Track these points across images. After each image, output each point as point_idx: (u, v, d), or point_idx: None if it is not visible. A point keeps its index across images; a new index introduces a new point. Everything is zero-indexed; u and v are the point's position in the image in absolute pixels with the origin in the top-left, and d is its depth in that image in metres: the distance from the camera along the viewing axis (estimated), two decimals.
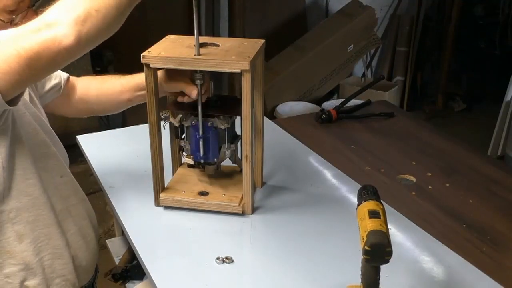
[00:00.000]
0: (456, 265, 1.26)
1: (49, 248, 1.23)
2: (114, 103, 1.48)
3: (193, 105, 1.38)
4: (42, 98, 1.36)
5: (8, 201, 1.14)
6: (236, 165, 1.52)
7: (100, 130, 1.98)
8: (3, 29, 1.07)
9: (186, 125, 1.41)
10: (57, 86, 1.41)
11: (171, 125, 1.44)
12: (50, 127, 1.31)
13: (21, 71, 0.94)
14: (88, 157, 1.70)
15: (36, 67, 0.94)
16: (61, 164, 1.30)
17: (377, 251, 0.93)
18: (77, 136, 1.82)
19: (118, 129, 2.04)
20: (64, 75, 1.44)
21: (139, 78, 1.42)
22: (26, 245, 1.18)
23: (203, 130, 1.38)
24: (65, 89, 1.45)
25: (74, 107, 1.49)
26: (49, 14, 0.94)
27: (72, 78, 1.48)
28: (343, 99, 2.36)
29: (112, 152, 1.76)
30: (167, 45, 1.36)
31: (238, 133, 1.41)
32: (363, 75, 4.45)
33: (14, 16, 1.08)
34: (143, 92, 1.41)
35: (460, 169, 1.77)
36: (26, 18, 1.10)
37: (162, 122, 1.39)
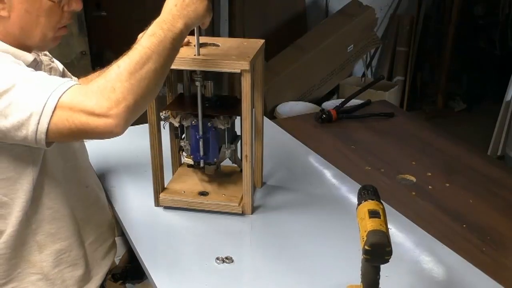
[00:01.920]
0: (456, 265, 1.26)
1: (70, 260, 1.24)
2: None
3: (193, 105, 1.38)
4: None
5: (32, 214, 1.16)
6: (236, 165, 1.52)
7: None
8: (52, 13, 1.09)
9: (186, 125, 1.41)
10: None
11: (171, 125, 1.44)
12: None
13: (67, 136, 1.01)
14: (88, 157, 1.70)
15: (80, 138, 1.15)
16: (87, 174, 1.31)
17: (377, 251, 0.93)
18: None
19: None
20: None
21: None
22: (46, 256, 1.20)
23: (203, 130, 1.38)
24: None
25: None
26: (101, 97, 0.96)
27: (80, 81, 1.45)
28: (343, 99, 2.36)
29: (112, 152, 1.76)
30: None
31: (238, 133, 1.41)
32: (363, 75, 4.45)
33: None
34: None
35: (460, 169, 1.77)
36: (70, 1, 1.12)
37: (162, 122, 1.39)
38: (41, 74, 1.04)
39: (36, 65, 1.13)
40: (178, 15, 1.07)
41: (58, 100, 0.96)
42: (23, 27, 1.08)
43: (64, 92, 0.97)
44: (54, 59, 1.28)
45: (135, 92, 0.98)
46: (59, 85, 0.98)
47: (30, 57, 1.10)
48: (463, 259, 1.27)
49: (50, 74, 1.20)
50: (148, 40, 1.03)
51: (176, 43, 1.07)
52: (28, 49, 1.12)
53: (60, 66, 1.31)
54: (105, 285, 1.42)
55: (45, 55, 1.25)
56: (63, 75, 1.32)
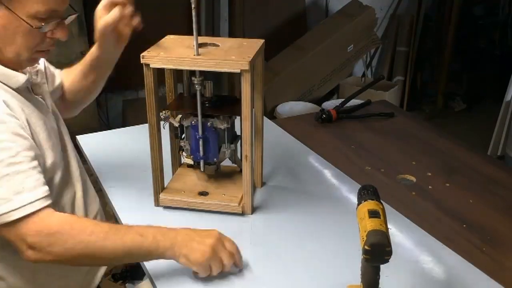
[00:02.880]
0: (456, 265, 1.26)
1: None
2: (87, 89, 1.43)
3: (193, 105, 1.38)
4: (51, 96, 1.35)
5: None
6: (236, 165, 1.52)
7: (100, 130, 1.98)
8: (30, 35, 1.06)
9: (185, 125, 1.41)
10: (59, 85, 1.40)
11: (171, 125, 1.44)
12: (64, 138, 1.30)
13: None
14: (88, 157, 1.70)
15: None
16: (76, 186, 1.30)
17: (377, 251, 0.93)
18: (77, 136, 1.82)
19: (118, 129, 2.04)
20: (60, 75, 1.42)
21: (88, 56, 1.36)
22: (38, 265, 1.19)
23: (203, 130, 1.38)
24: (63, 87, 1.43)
25: (67, 103, 1.46)
26: (43, 246, 1.02)
27: (64, 72, 1.45)
28: (343, 99, 2.36)
29: (112, 152, 1.76)
30: (166, 45, 1.36)
31: (238, 133, 1.41)
32: (363, 75, 4.45)
33: (43, 24, 1.06)
34: (99, 69, 1.37)
35: (460, 169, 1.77)
36: (56, 29, 1.09)
37: (162, 122, 1.39)
38: (15, 173, 1.02)
39: (27, 85, 1.11)
40: (177, 250, 1.12)
41: (13, 219, 1.00)
42: None
43: (23, 215, 1.01)
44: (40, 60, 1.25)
45: (65, 258, 1.05)
46: (25, 204, 1.01)
47: (22, 78, 1.08)
48: (463, 259, 1.27)
49: (37, 77, 1.19)
50: (129, 248, 1.09)
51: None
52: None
53: (42, 65, 1.30)
54: (100, 285, 1.42)
55: None
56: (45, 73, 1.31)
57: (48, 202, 1.04)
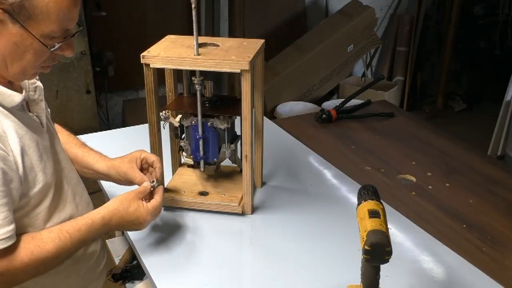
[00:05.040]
0: (456, 265, 1.26)
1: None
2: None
3: (193, 105, 1.38)
4: None
5: None
6: (236, 165, 1.52)
7: (100, 130, 1.98)
8: (40, 53, 1.05)
9: (186, 125, 1.41)
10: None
11: (171, 125, 1.44)
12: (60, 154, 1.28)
13: None
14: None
15: None
16: (72, 199, 1.27)
17: (377, 251, 0.93)
18: (77, 136, 1.82)
19: (118, 129, 2.04)
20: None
21: (97, 164, 1.43)
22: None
23: (203, 130, 1.38)
24: None
25: None
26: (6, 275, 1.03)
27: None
28: (343, 99, 2.37)
29: (112, 152, 1.76)
30: (167, 45, 1.36)
31: (238, 133, 1.41)
32: (363, 75, 4.45)
33: (56, 44, 1.04)
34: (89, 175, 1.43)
35: (460, 169, 1.77)
36: (64, 46, 1.08)
37: (162, 122, 1.39)
38: None
39: (22, 105, 1.09)
40: (114, 227, 1.22)
41: None
42: (5, 57, 1.02)
43: None
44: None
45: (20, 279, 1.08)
46: None
47: (18, 98, 1.06)
48: (463, 259, 1.27)
49: (35, 94, 1.17)
50: (75, 245, 1.13)
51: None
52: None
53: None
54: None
55: None
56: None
57: (10, 243, 1.03)
